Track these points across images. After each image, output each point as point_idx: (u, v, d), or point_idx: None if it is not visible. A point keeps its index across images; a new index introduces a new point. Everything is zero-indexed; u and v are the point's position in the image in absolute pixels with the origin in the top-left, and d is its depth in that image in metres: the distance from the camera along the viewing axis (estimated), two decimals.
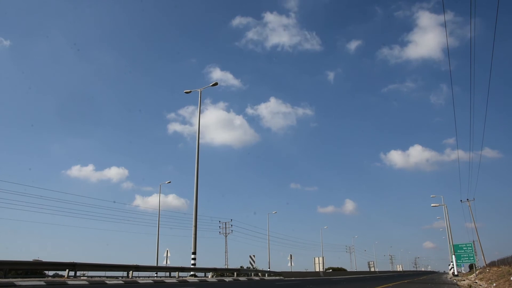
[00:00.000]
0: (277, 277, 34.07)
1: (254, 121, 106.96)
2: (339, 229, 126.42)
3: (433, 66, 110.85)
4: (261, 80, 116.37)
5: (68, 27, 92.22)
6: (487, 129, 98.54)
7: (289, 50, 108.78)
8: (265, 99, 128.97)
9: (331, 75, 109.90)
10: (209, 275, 25.74)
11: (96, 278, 19.72)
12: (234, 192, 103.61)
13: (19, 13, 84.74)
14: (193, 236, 22.25)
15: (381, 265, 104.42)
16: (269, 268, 45.69)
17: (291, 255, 43.94)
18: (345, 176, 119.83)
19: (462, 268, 63.97)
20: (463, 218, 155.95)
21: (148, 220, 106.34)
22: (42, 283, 11.80)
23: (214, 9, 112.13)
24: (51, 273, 24.89)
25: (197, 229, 22.70)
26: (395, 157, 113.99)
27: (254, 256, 39.95)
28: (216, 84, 25.53)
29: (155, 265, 31.50)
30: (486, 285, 19.65)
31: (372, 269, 79.54)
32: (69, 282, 12.86)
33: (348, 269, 75.33)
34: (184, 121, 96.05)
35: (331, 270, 62.16)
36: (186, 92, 25.72)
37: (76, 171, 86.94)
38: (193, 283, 16.95)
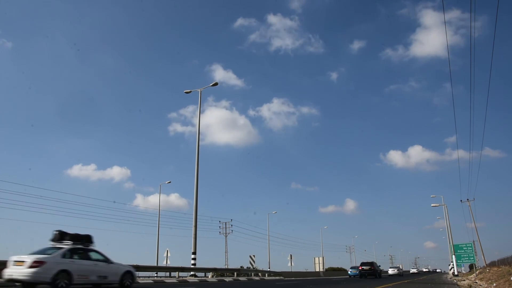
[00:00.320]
0: (277, 277, 34.08)
1: (255, 121, 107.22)
2: (339, 229, 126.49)
3: (438, 66, 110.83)
4: (263, 80, 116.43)
5: (68, 27, 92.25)
6: (488, 129, 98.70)
7: (291, 50, 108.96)
8: (267, 99, 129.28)
9: (333, 76, 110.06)
10: (209, 275, 25.74)
11: None
12: (234, 192, 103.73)
13: (19, 13, 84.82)
14: (193, 236, 22.26)
15: (381, 265, 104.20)
16: (269, 268, 45.70)
17: (291, 255, 43.99)
18: (345, 176, 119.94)
19: (462, 268, 63.96)
20: (464, 218, 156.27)
21: (148, 220, 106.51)
22: None
23: (217, 9, 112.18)
24: None
25: (197, 229, 22.73)
26: (396, 157, 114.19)
27: (254, 256, 40.01)
28: (216, 84, 25.53)
29: (155, 265, 31.50)
30: (486, 285, 19.64)
31: None
32: None
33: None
34: (186, 121, 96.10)
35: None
36: (186, 92, 25.71)
37: (77, 170, 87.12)
38: (193, 283, 16.95)
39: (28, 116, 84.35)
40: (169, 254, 32.56)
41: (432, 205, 44.15)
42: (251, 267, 38.88)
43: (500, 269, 30.26)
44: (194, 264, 21.86)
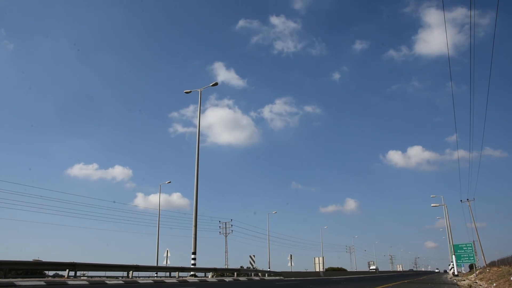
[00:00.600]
0: (277, 277, 34.07)
1: (256, 121, 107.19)
2: (339, 229, 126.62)
3: (442, 65, 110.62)
4: (264, 80, 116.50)
5: (68, 27, 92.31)
6: (489, 129, 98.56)
7: (293, 52, 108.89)
8: (268, 99, 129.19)
9: (336, 76, 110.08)
10: (209, 275, 25.73)
11: (96, 278, 19.72)
12: (234, 192, 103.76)
13: (19, 14, 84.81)
14: (193, 236, 22.25)
15: (381, 265, 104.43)
16: (269, 268, 45.70)
17: (291, 255, 43.97)
18: (346, 176, 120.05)
19: (462, 268, 63.96)
20: (464, 218, 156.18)
21: (148, 220, 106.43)
22: (42, 283, 11.80)
23: (220, 10, 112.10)
24: (51, 273, 24.90)
25: (197, 229, 22.72)
26: (396, 157, 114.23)
27: (254, 256, 39.99)
28: (216, 84, 25.51)
29: (155, 265, 31.49)
30: (486, 285, 19.64)
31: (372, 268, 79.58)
32: (69, 282, 12.86)
33: (348, 269, 75.37)
34: (187, 121, 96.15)
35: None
36: (186, 92, 25.69)
37: (77, 170, 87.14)
38: (193, 283, 16.95)
39: (28, 116, 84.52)
40: (169, 254, 32.55)
41: (432, 205, 44.18)
42: (251, 267, 38.87)
43: (500, 269, 30.25)
44: (194, 264, 21.85)
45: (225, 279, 22.34)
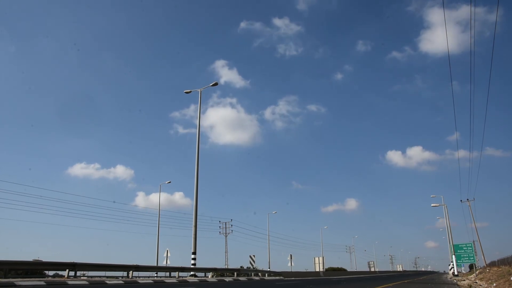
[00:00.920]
0: (277, 277, 34.07)
1: (257, 121, 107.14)
2: (339, 229, 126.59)
3: (446, 65, 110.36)
4: (266, 80, 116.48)
5: (68, 27, 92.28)
6: (490, 129, 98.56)
7: (296, 52, 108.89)
8: (269, 99, 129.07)
9: (338, 76, 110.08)
10: (209, 275, 25.74)
11: (96, 278, 19.72)
12: (234, 192, 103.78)
13: (19, 14, 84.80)
14: (193, 236, 22.25)
15: (381, 265, 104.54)
16: (269, 268, 45.69)
17: (291, 255, 43.97)
18: (346, 176, 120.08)
19: (462, 268, 63.97)
20: (464, 218, 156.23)
21: (148, 220, 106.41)
22: (42, 283, 11.80)
23: (221, 11, 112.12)
24: (51, 273, 24.90)
25: (197, 229, 22.72)
26: (396, 157, 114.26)
27: (254, 256, 39.99)
28: (216, 84, 25.50)
29: (155, 265, 31.49)
30: (486, 285, 19.64)
31: (372, 269, 79.52)
32: (69, 282, 12.86)
33: (348, 269, 75.37)
34: (189, 121, 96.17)
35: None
36: (186, 92, 25.69)
37: (78, 169, 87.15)
38: (193, 283, 16.95)
39: (28, 116, 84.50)
40: (169, 254, 32.56)
41: (432, 205, 44.14)
42: (251, 267, 38.87)
43: (500, 269, 30.25)
44: (194, 264, 21.84)
45: (225, 279, 22.34)
